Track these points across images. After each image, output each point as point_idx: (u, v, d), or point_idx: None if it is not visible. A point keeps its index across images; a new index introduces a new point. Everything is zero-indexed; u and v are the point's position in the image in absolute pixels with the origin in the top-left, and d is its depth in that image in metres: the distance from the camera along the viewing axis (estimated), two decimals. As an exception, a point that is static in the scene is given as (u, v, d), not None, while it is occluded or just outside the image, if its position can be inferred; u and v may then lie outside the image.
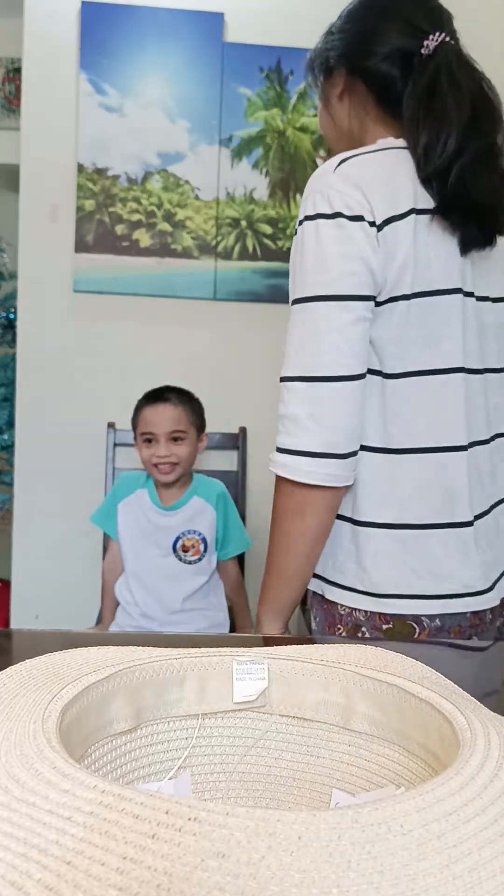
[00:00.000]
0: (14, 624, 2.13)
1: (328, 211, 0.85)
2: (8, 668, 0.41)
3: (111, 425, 2.05)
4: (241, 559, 1.91)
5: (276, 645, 0.49)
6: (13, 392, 2.20)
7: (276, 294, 2.11)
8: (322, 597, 0.95)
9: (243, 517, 2.05)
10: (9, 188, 2.78)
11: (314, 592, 0.97)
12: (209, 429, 2.06)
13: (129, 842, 0.24)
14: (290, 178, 2.10)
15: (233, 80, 2.06)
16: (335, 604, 0.93)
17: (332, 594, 0.93)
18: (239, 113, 2.07)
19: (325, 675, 0.44)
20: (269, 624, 0.94)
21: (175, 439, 1.68)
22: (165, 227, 2.08)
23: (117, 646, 0.47)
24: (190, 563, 1.70)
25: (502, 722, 0.37)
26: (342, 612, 0.93)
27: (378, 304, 0.87)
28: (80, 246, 2.05)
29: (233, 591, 1.84)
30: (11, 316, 2.68)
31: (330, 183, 0.86)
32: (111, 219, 2.06)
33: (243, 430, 2.11)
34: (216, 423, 2.08)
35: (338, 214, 0.84)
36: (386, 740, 0.42)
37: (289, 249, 2.13)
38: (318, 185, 0.87)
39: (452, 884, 0.23)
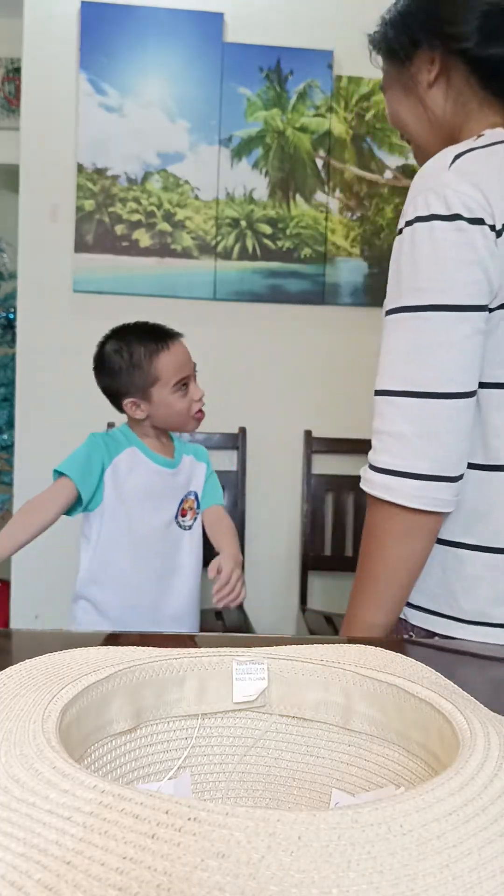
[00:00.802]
0: (14, 624, 2.13)
1: (444, 212, 0.77)
2: (8, 668, 0.41)
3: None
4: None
5: (276, 645, 0.49)
6: (13, 392, 2.20)
7: (276, 294, 2.11)
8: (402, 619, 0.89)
9: (242, 517, 2.05)
10: (9, 188, 2.78)
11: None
12: (207, 428, 2.07)
13: (129, 842, 0.24)
14: (290, 178, 2.10)
15: (232, 80, 2.06)
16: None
17: (417, 619, 0.86)
18: (238, 113, 2.07)
19: (324, 675, 0.44)
20: None
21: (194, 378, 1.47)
22: (165, 227, 2.08)
23: (117, 646, 0.47)
24: (188, 528, 1.49)
25: (502, 722, 0.37)
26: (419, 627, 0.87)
27: (490, 310, 0.80)
28: (80, 246, 2.06)
29: (213, 515, 1.54)
30: (11, 316, 2.68)
31: (446, 181, 0.77)
32: (111, 219, 2.06)
33: (243, 430, 2.11)
34: (216, 423, 2.08)
35: (457, 216, 0.76)
36: (386, 740, 0.42)
37: (288, 250, 2.14)
38: (431, 183, 0.79)
39: (452, 884, 0.23)
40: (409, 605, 0.87)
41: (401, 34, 0.88)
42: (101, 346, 1.46)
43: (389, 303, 0.82)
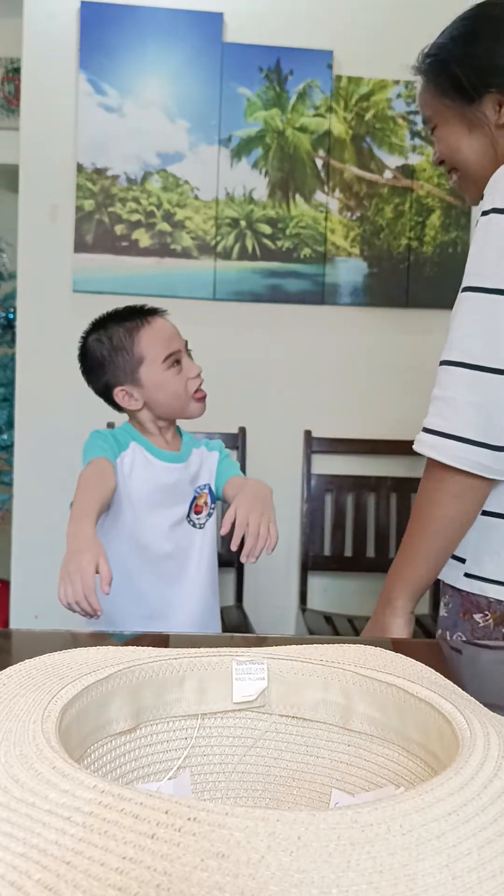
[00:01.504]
0: (14, 624, 2.13)
1: None
2: (7, 668, 0.41)
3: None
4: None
5: (276, 645, 0.49)
6: (13, 392, 2.20)
7: (276, 294, 2.11)
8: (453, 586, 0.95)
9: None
10: (8, 188, 2.78)
11: (453, 587, 0.96)
12: (208, 428, 2.07)
13: (129, 842, 0.24)
14: (290, 178, 2.10)
15: (232, 80, 2.06)
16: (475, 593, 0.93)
17: (493, 591, 0.91)
18: (238, 113, 2.07)
19: (324, 675, 0.44)
20: (406, 604, 0.92)
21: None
22: (165, 227, 2.08)
23: (117, 646, 0.47)
24: (201, 526, 1.36)
25: (502, 722, 0.37)
26: (490, 599, 0.91)
27: None
28: (80, 246, 2.05)
29: (233, 483, 1.39)
30: (11, 316, 2.68)
31: None
32: (111, 219, 2.06)
33: (243, 430, 2.11)
34: (216, 423, 2.08)
35: None
36: (385, 740, 0.42)
37: (287, 250, 2.14)
38: None
39: (452, 884, 0.23)
40: (488, 580, 0.92)
41: (471, 75, 0.92)
42: (83, 341, 1.37)
43: (464, 281, 0.89)
